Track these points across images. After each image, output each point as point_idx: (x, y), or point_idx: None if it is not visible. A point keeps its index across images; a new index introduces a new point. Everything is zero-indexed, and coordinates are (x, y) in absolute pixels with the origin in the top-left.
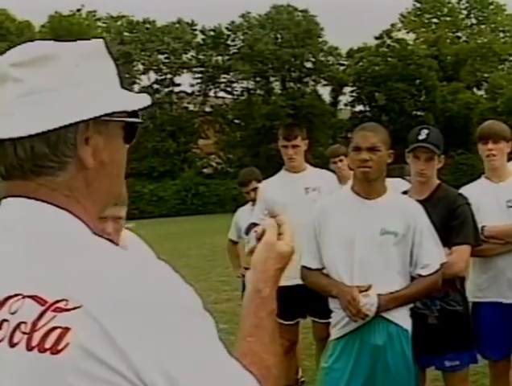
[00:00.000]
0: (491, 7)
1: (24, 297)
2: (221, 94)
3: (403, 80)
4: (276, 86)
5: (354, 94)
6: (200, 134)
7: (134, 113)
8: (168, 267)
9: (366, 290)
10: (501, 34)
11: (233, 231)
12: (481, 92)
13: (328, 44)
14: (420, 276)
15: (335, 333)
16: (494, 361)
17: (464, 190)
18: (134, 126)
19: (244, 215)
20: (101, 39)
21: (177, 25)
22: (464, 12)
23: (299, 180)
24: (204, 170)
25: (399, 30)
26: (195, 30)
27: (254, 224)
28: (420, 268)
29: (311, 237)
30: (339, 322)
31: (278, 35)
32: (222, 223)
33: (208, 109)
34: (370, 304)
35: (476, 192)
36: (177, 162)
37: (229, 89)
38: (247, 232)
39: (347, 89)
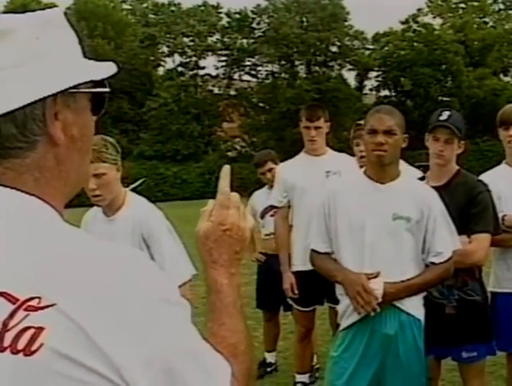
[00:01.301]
0: None
1: None
2: (246, 77)
3: (429, 66)
4: (301, 70)
5: (379, 79)
6: (225, 117)
7: (99, 83)
8: (144, 255)
9: (375, 277)
10: None
11: (249, 214)
12: (508, 79)
13: (354, 28)
14: (433, 264)
15: (344, 322)
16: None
17: (485, 177)
18: (101, 97)
19: (259, 199)
20: (57, 8)
21: (202, 7)
22: None
23: (320, 163)
24: (228, 154)
25: (426, 14)
26: (220, 13)
27: (272, 207)
28: (433, 255)
29: (320, 220)
30: (346, 311)
31: (304, 19)
32: (245, 205)
33: (232, 92)
34: (376, 290)
35: (497, 179)
36: (201, 145)
37: (253, 73)
38: (262, 215)
39: (372, 74)
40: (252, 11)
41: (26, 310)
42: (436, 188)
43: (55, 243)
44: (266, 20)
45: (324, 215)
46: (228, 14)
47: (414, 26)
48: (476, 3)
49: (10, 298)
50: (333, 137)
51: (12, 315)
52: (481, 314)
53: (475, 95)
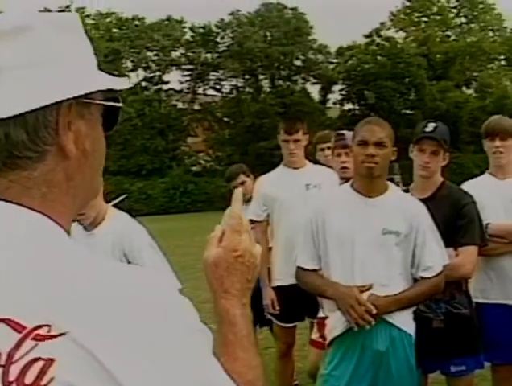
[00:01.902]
0: (480, 6)
1: None
2: (210, 92)
3: (393, 79)
4: (265, 84)
5: (343, 92)
6: (189, 132)
7: (113, 98)
8: (160, 276)
9: (367, 290)
10: (491, 33)
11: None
12: (470, 91)
13: (318, 42)
14: (422, 278)
15: (333, 333)
16: (497, 365)
17: (468, 186)
18: (115, 111)
19: None
20: (75, 14)
21: (166, 22)
22: (454, 11)
23: (300, 176)
24: (193, 168)
25: (389, 28)
26: (184, 27)
27: (251, 222)
28: (422, 270)
29: (307, 237)
30: (336, 327)
31: (268, 33)
32: (211, 221)
33: (196, 107)
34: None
35: (480, 189)
36: (166, 159)
37: (218, 87)
38: None
39: (336, 87)
40: (216, 25)
41: (34, 339)
42: (421, 200)
43: (64, 265)
44: (230, 34)
45: (311, 231)
46: (192, 29)
47: (378, 39)
48: (438, 17)
49: (16, 326)
50: None
51: (18, 345)
52: (468, 328)
53: (438, 108)
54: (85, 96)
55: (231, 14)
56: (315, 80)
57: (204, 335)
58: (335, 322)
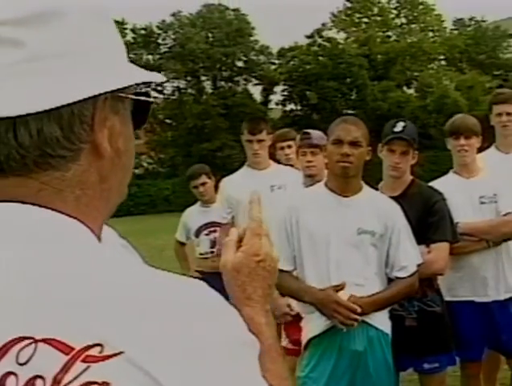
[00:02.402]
0: (420, 7)
1: (36, 341)
2: (152, 93)
3: (334, 79)
4: (207, 85)
5: (285, 93)
6: None
7: (142, 93)
8: (211, 289)
9: (342, 289)
10: (431, 34)
11: (182, 232)
12: (411, 91)
13: (260, 43)
14: (397, 278)
15: (310, 339)
16: (466, 362)
17: (434, 186)
18: (146, 107)
19: (193, 216)
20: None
21: None
22: (394, 12)
23: (264, 177)
24: (136, 171)
25: (330, 29)
26: (125, 28)
27: (207, 225)
28: (397, 270)
29: (282, 237)
30: (314, 328)
31: (210, 34)
32: (155, 223)
33: None
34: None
35: (446, 188)
36: None
37: (159, 89)
38: (197, 233)
39: (278, 88)
40: (157, 27)
41: (84, 361)
42: (391, 199)
43: (110, 277)
44: (172, 36)
45: (285, 231)
46: (133, 30)
47: (319, 40)
48: (379, 18)
49: (61, 347)
50: (240, 152)
51: (66, 368)
52: (441, 325)
53: (379, 107)
54: (121, 89)
55: (173, 15)
56: (257, 81)
57: (255, 346)
58: (312, 323)
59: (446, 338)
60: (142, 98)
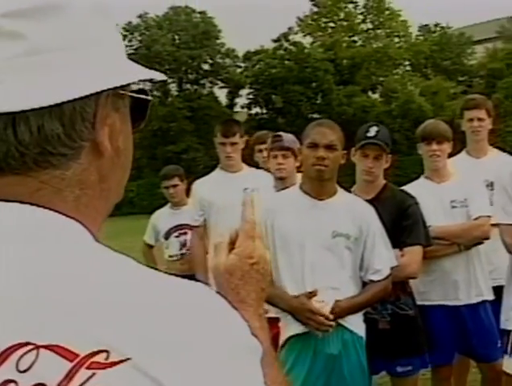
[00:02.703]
0: (387, 13)
1: (38, 347)
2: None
3: (300, 83)
4: (173, 88)
5: (251, 96)
6: None
7: (140, 91)
8: (216, 294)
9: (314, 295)
10: (396, 39)
11: (151, 234)
12: (376, 96)
13: (226, 46)
14: (371, 281)
15: (286, 339)
16: (438, 366)
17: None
18: (145, 105)
19: (162, 218)
20: None
21: None
22: (361, 17)
23: (237, 180)
24: None
25: (296, 33)
26: None
27: (180, 226)
28: (371, 273)
29: None
30: (291, 327)
31: (176, 37)
32: (119, 226)
33: None
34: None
35: (418, 193)
36: None
37: None
38: (167, 235)
39: (244, 92)
40: (124, 28)
41: (89, 368)
42: None
43: (111, 279)
44: (138, 37)
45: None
46: None
47: (286, 44)
48: (345, 23)
49: (65, 353)
50: (205, 155)
51: (70, 376)
52: (414, 328)
53: (345, 112)
54: (123, 86)
55: (139, 16)
56: (222, 84)
57: (258, 349)
58: (289, 325)
59: (419, 341)
60: (142, 96)
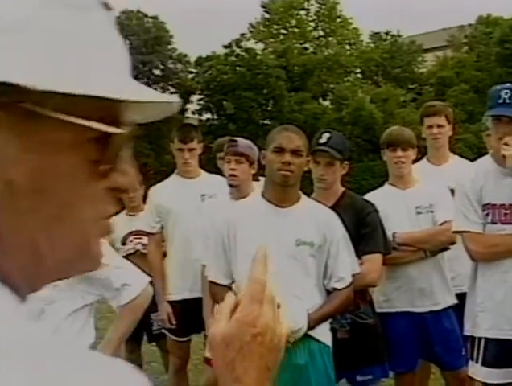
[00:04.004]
0: (338, 20)
1: None
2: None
3: (251, 90)
4: None
5: (202, 102)
6: None
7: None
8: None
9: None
10: (348, 47)
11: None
12: (327, 103)
13: (178, 52)
14: (335, 289)
15: None
16: (400, 373)
17: (371, 197)
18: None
19: (118, 224)
20: None
21: None
22: (312, 24)
23: (195, 186)
24: None
25: (248, 39)
26: None
27: (132, 233)
28: (335, 281)
29: (218, 251)
30: None
31: (127, 41)
32: None
33: None
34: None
35: (382, 199)
36: None
37: None
38: (124, 241)
39: (195, 97)
40: None
41: None
42: None
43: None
44: None
45: (222, 244)
46: None
47: (237, 50)
48: (297, 29)
49: None
50: (155, 160)
51: None
52: (373, 337)
53: (296, 119)
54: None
55: None
56: (173, 90)
57: None
58: None
59: (379, 349)
60: (94, 125)
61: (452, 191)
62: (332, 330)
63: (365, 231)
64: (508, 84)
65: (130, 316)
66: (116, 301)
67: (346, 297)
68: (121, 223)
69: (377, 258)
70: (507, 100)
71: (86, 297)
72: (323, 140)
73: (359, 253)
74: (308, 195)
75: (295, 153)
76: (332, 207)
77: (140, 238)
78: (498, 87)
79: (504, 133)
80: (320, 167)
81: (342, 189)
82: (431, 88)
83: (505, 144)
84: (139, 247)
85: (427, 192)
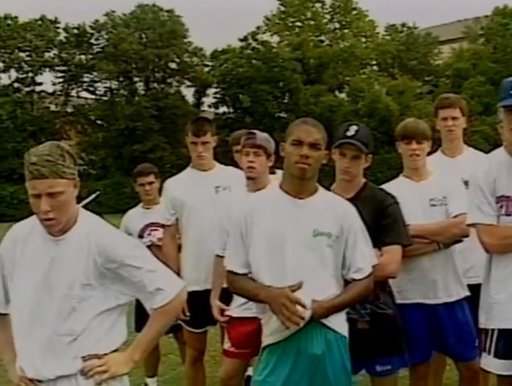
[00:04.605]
0: (354, 12)
1: None
2: (84, 94)
3: (267, 83)
4: (140, 86)
5: (218, 96)
6: (62, 135)
7: None
8: None
9: (299, 288)
10: (363, 39)
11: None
12: (343, 95)
13: (193, 45)
14: (354, 280)
15: (266, 341)
16: (415, 364)
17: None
18: None
19: (134, 218)
20: None
21: (40, 22)
22: (328, 16)
23: (209, 179)
24: None
25: (264, 32)
26: (58, 27)
27: (152, 224)
28: (353, 271)
29: (237, 240)
30: (271, 329)
31: (143, 35)
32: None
33: (70, 110)
34: (308, 308)
35: (396, 191)
36: None
37: (91, 89)
38: (141, 234)
39: (211, 91)
40: (90, 26)
41: None
42: None
43: None
44: (105, 36)
45: (240, 235)
46: (66, 29)
47: (253, 43)
48: (312, 22)
49: None
50: (171, 154)
51: None
52: (393, 327)
53: (312, 111)
54: None
55: (106, 14)
56: (189, 83)
57: None
58: (271, 329)
59: (398, 340)
60: None
61: (466, 183)
62: (352, 320)
63: (385, 222)
64: None
65: (161, 320)
66: (149, 303)
67: (365, 288)
68: (138, 217)
69: (396, 250)
70: None
71: (120, 297)
72: (351, 132)
73: (379, 245)
74: (324, 186)
75: (313, 146)
76: (353, 199)
77: (156, 230)
78: (510, 78)
79: None
80: (345, 160)
81: (363, 181)
82: (448, 80)
83: None
84: (154, 239)
85: (441, 185)
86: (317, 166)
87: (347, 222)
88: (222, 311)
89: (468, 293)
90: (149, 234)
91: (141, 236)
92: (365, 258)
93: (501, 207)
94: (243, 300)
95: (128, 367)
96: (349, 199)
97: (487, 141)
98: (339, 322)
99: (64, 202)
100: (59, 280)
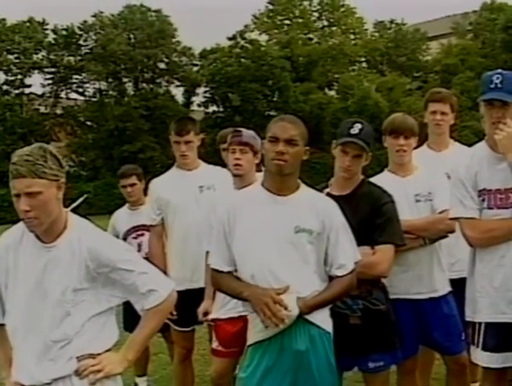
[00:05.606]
0: (342, 10)
1: None
2: (73, 95)
3: (256, 81)
4: (129, 87)
5: (208, 95)
6: (52, 137)
7: None
8: None
9: (284, 292)
10: (352, 36)
11: (111, 235)
12: (333, 93)
13: (182, 45)
14: (337, 276)
15: (251, 340)
16: (402, 358)
17: None
18: None
19: (121, 218)
20: None
21: (28, 24)
22: (316, 14)
23: (193, 178)
24: None
25: (252, 31)
26: (46, 29)
27: (137, 227)
28: (336, 268)
29: (220, 238)
30: (257, 328)
31: (131, 35)
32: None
33: (59, 111)
34: (289, 310)
35: (383, 186)
36: None
37: (81, 90)
38: (125, 237)
39: (200, 90)
40: (79, 27)
41: None
42: (340, 197)
43: None
44: (93, 37)
45: (223, 233)
46: (54, 31)
47: (242, 42)
48: (300, 20)
49: None
50: (161, 154)
51: None
52: (386, 323)
53: (301, 109)
54: None
55: (94, 15)
56: (179, 83)
57: None
58: (257, 328)
59: (390, 336)
60: None
61: (449, 177)
62: (344, 315)
63: (379, 221)
64: (499, 70)
65: (154, 320)
66: (141, 304)
67: (347, 285)
68: (123, 218)
69: (389, 249)
70: (499, 85)
71: (111, 300)
72: (355, 131)
73: (372, 243)
74: (305, 182)
75: (289, 142)
76: (350, 195)
77: (141, 234)
78: (490, 72)
79: (497, 118)
80: (347, 158)
81: (361, 178)
82: (437, 76)
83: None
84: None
85: (427, 180)
86: (295, 162)
87: (329, 219)
88: (206, 313)
89: (450, 289)
90: (134, 237)
91: (125, 239)
92: (347, 255)
93: (483, 200)
94: (227, 300)
95: (122, 366)
96: (346, 195)
97: (477, 136)
98: (322, 318)
99: (45, 202)
100: (52, 286)
